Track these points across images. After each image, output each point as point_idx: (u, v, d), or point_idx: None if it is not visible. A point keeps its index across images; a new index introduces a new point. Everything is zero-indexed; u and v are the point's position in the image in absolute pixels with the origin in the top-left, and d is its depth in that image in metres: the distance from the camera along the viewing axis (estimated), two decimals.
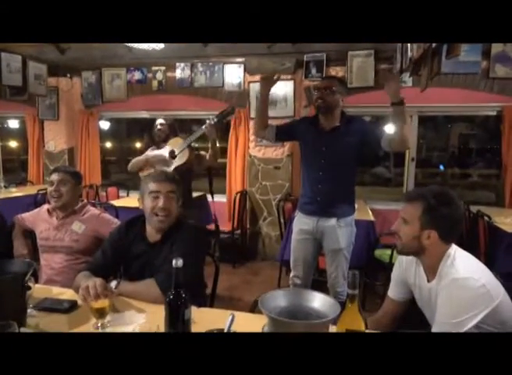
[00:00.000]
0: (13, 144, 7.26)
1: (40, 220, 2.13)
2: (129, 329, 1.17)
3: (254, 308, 1.45)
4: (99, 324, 1.24)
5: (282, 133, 2.44)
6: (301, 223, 2.38)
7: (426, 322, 1.44)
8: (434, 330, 1.26)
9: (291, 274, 2.47)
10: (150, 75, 4.76)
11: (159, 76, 4.71)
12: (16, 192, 4.63)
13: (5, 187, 4.95)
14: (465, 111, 4.36)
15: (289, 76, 4.22)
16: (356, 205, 3.22)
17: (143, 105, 4.89)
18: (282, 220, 3.88)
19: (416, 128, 4.31)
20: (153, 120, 3.22)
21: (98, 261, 1.63)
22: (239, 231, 4.51)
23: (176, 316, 1.00)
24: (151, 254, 1.60)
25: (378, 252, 3.18)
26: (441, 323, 1.24)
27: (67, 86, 5.09)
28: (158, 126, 3.08)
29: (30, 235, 2.19)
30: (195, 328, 1.11)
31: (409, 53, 2.51)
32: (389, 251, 2.99)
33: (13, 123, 6.11)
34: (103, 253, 1.65)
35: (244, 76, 4.44)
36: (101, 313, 1.23)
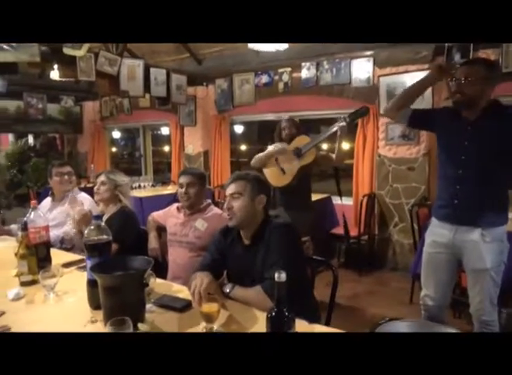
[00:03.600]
0: (164, 148, 8.30)
1: (170, 216, 2.30)
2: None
3: (374, 330, 1.26)
4: (207, 329, 1.22)
5: (417, 118, 2.09)
6: (435, 233, 2.01)
7: None
8: None
9: (422, 293, 2.13)
10: (276, 77, 4.82)
11: (285, 77, 4.73)
12: (160, 190, 5.24)
13: (153, 185, 5.64)
14: None
15: (425, 66, 3.74)
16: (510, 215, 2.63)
17: (269, 108, 4.98)
18: (416, 227, 3.45)
19: None
20: (279, 122, 3.26)
21: (207, 261, 1.66)
22: (366, 237, 4.21)
23: None
24: (248, 256, 1.59)
25: None
26: None
27: (203, 94, 5.53)
28: (283, 126, 3.09)
29: (161, 231, 2.38)
30: None
31: None
32: None
33: (165, 130, 6.96)
34: (210, 254, 1.69)
35: (373, 70, 4.12)
36: (208, 318, 1.21)
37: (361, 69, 4.19)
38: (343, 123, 2.72)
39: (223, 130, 5.45)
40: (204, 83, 5.50)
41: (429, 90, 3.85)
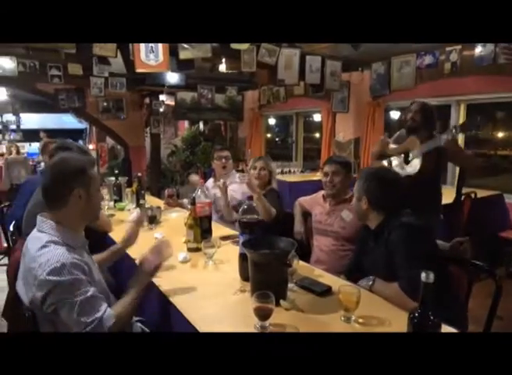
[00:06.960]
0: (315, 135, 8.46)
1: (316, 204, 2.35)
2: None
3: None
4: (345, 317, 1.23)
5: None
6: None
7: None
8: None
9: None
10: (442, 57, 4.31)
11: (453, 57, 4.18)
12: (309, 176, 5.36)
13: (302, 171, 5.82)
14: None
15: None
16: None
17: (431, 92, 4.50)
18: None
19: None
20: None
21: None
22: None
23: None
24: (373, 250, 1.64)
25: None
26: None
27: (358, 79, 5.35)
28: (409, 115, 2.50)
29: (307, 216, 2.45)
30: None
31: None
32: None
33: (317, 117, 7.05)
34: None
35: None
36: (346, 307, 1.21)
37: None
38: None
39: (377, 116, 5.20)
40: (360, 68, 5.32)
41: None
